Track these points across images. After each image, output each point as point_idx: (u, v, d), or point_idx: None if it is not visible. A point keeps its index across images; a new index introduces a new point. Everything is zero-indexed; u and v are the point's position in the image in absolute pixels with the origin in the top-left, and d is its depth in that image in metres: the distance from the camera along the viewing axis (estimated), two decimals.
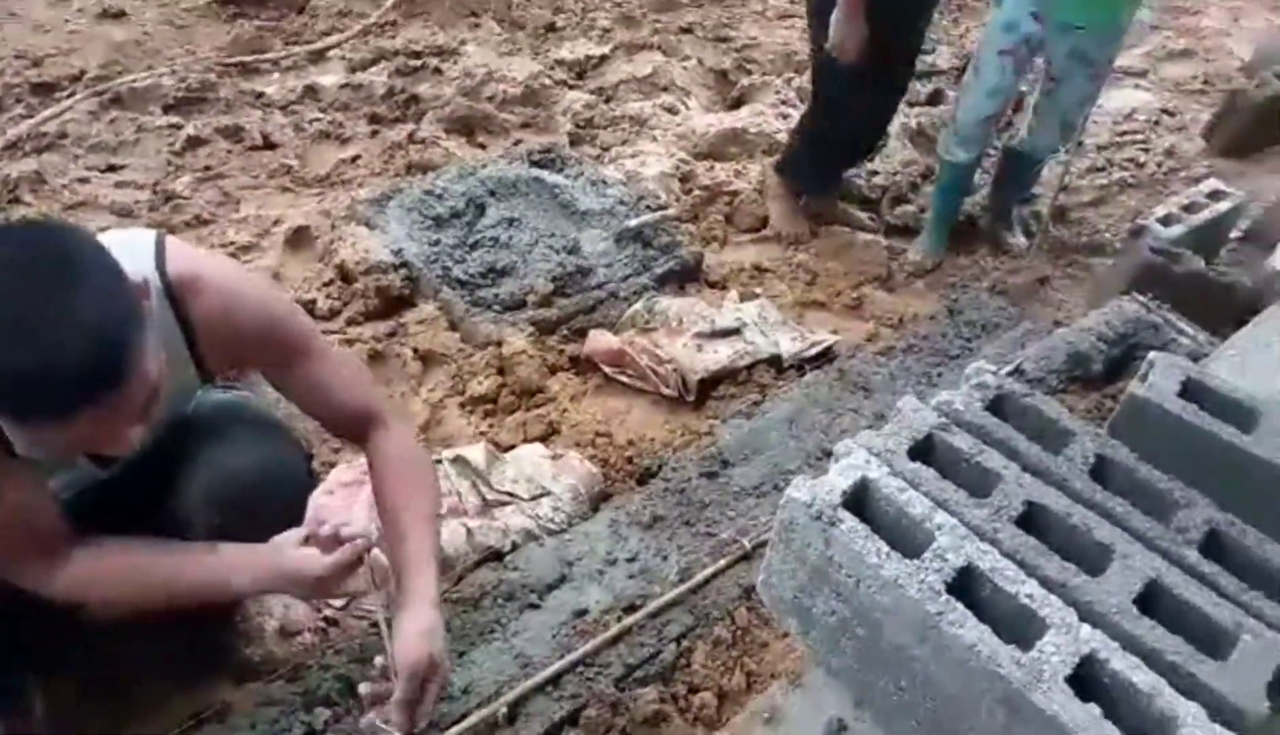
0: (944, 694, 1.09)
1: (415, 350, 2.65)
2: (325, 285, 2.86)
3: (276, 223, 3.16)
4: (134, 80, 3.83)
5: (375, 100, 4.01)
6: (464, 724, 1.55)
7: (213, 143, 3.57)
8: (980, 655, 1.02)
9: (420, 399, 2.52)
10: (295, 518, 1.65)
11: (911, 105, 4.21)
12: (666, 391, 2.58)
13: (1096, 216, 3.78)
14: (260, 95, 3.95)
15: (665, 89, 4.39)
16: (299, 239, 3.07)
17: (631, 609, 1.82)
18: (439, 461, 2.12)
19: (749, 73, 4.67)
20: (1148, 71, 5.21)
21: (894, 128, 3.79)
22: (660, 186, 3.53)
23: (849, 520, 1.15)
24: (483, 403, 2.50)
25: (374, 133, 3.82)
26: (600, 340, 2.68)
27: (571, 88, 4.36)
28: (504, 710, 1.60)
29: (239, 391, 1.78)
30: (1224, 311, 2.65)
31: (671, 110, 4.21)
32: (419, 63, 4.30)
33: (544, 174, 3.39)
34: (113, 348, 1.11)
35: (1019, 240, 3.46)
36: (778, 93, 4.38)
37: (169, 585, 1.42)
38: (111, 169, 3.41)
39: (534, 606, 1.84)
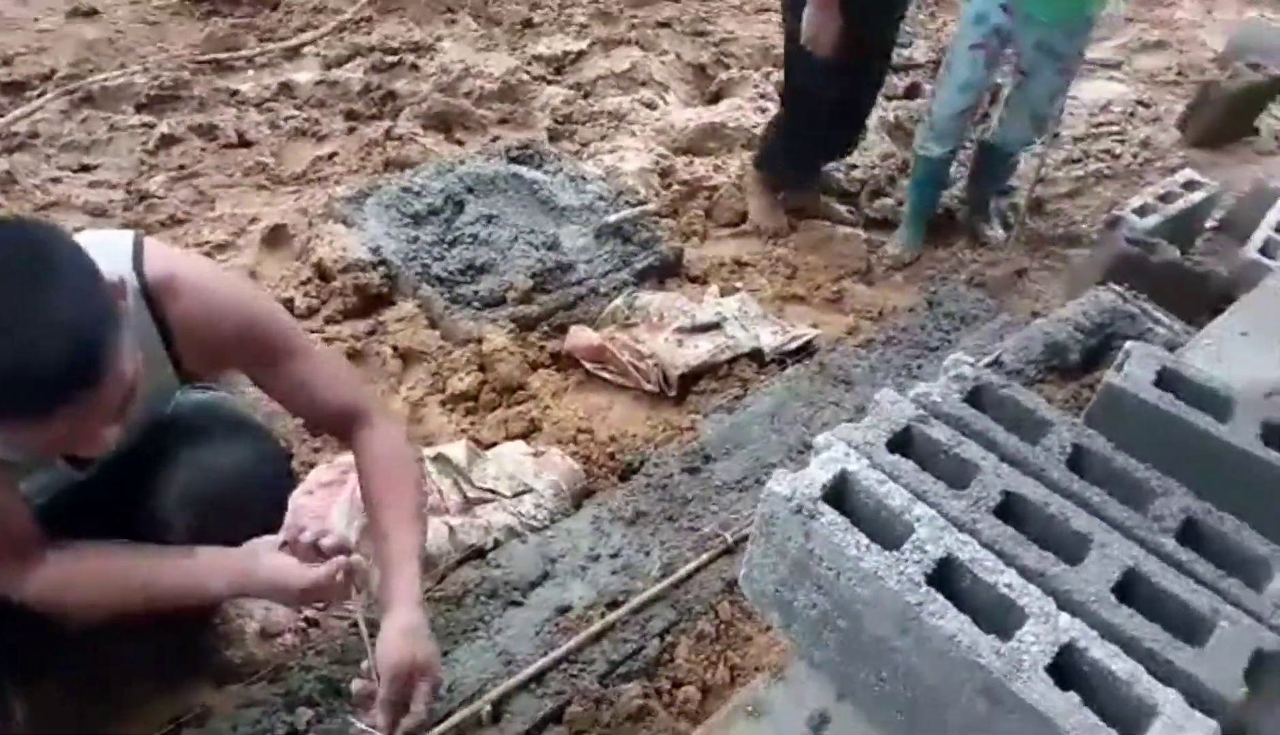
0: (925, 685, 1.10)
1: (395, 348, 2.64)
2: (303, 284, 2.84)
3: (253, 221, 3.14)
4: (106, 78, 3.79)
5: (351, 97, 3.98)
6: (448, 723, 1.55)
7: (187, 141, 3.54)
8: (960, 645, 1.02)
9: (400, 397, 2.51)
10: (274, 518, 1.64)
11: (889, 99, 4.23)
12: (648, 387, 2.58)
13: (1073, 208, 3.80)
14: (235, 93, 3.92)
15: (644, 84, 4.38)
16: (276, 238, 3.04)
17: (615, 605, 1.82)
18: (420, 459, 2.11)
19: (727, 67, 4.67)
20: (1122, 63, 5.25)
21: (872, 121, 3.80)
22: (640, 182, 3.53)
23: (829, 513, 1.15)
24: (463, 400, 2.49)
25: (351, 130, 3.79)
26: (581, 336, 2.68)
27: (550, 83, 4.35)
28: (488, 708, 1.59)
29: (217, 392, 1.76)
30: (1199, 301, 2.67)
31: (650, 105, 4.21)
32: (395, 59, 4.28)
33: (523, 170, 3.37)
34: (88, 347, 1.10)
35: (996, 233, 3.48)
36: (756, 87, 4.39)
37: (145, 589, 1.41)
38: (84, 169, 3.37)
39: (517, 604, 1.84)
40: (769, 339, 2.75)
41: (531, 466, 2.19)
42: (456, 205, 3.14)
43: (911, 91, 4.47)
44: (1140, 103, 4.76)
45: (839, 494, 1.20)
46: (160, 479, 1.50)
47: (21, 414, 1.10)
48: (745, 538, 1.80)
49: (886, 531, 1.15)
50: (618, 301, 2.85)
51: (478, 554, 1.98)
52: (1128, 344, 1.52)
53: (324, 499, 1.97)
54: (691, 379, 2.61)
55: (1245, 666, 1.03)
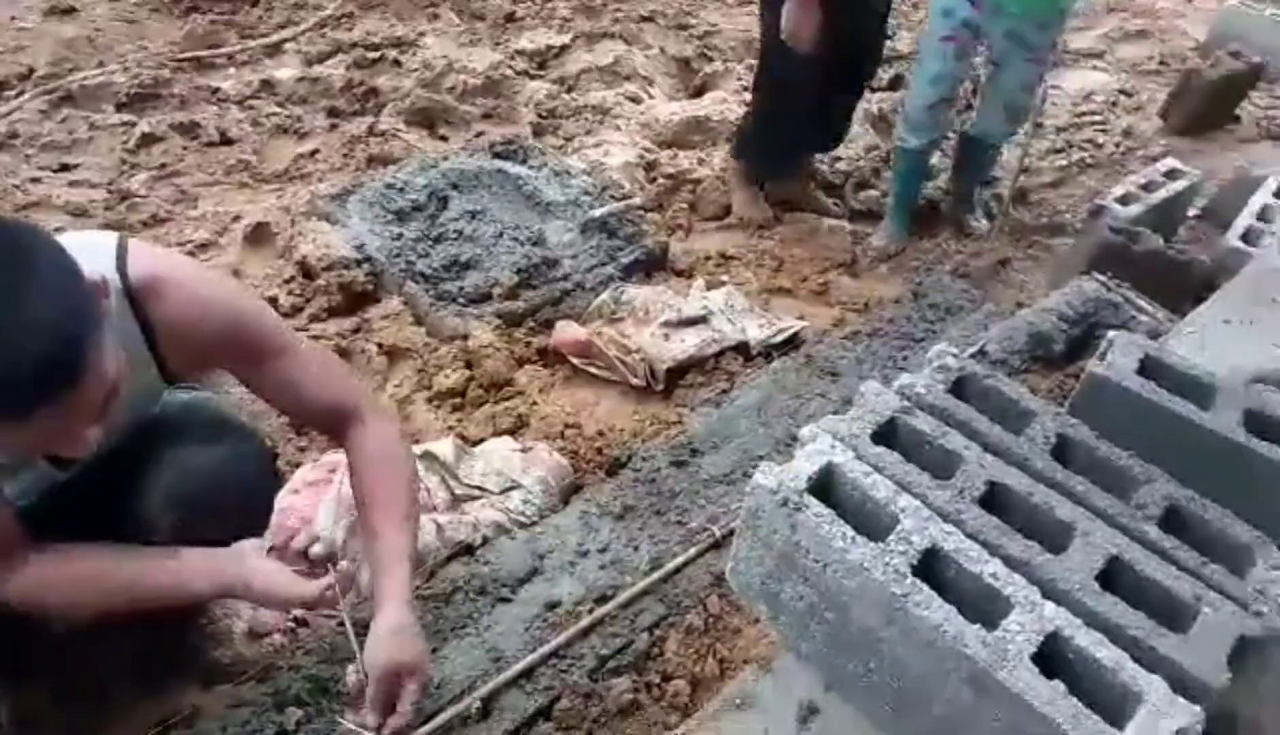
0: (911, 674, 1.10)
1: (380, 346, 2.63)
2: (286, 282, 2.82)
3: (235, 219, 3.12)
4: (85, 77, 3.76)
5: (333, 93, 3.96)
6: (437, 720, 1.55)
7: (168, 140, 3.51)
8: (946, 635, 1.03)
9: (387, 395, 2.50)
10: (260, 518, 1.64)
11: (873, 90, 4.22)
12: (635, 381, 2.58)
13: (1056, 197, 3.82)
14: (215, 90, 3.89)
15: (627, 78, 4.37)
16: (258, 236, 3.03)
17: (603, 600, 1.82)
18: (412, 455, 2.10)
19: (711, 60, 4.67)
20: (1104, 52, 5.27)
21: (856, 113, 3.80)
22: (624, 176, 3.52)
23: (814, 505, 1.15)
24: (450, 397, 2.49)
25: (333, 126, 3.77)
26: (567, 331, 2.67)
27: (533, 78, 4.34)
28: (477, 705, 1.59)
29: (202, 392, 1.75)
30: (1183, 289, 2.69)
31: (634, 99, 4.20)
32: (377, 55, 4.25)
33: (507, 165, 3.36)
34: (68, 346, 1.10)
35: (981, 223, 3.49)
36: (740, 80, 4.38)
37: (129, 589, 1.40)
38: (64, 168, 3.34)
39: (506, 600, 1.84)
40: (755, 332, 2.75)
41: (519, 462, 2.19)
42: (440, 202, 3.12)
43: (895, 82, 4.47)
44: (1123, 92, 4.78)
45: (825, 486, 1.20)
46: (144, 479, 1.49)
47: (1, 414, 1.09)
48: (733, 531, 1.80)
49: (872, 523, 1.15)
50: (604, 296, 2.84)
51: (466, 551, 1.98)
52: (1111, 333, 1.53)
53: (310, 498, 1.96)
54: (678, 373, 2.61)
55: (1228, 652, 1.04)
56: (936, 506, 1.17)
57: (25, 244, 1.12)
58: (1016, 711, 0.99)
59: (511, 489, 2.12)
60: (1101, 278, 2.69)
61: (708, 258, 3.20)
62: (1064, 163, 4.06)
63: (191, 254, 2.88)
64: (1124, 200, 3.06)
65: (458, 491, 2.09)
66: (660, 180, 3.59)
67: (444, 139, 3.82)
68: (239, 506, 1.55)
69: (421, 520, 1.93)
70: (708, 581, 1.86)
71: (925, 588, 1.07)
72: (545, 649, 1.70)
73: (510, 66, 4.29)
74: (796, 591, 1.22)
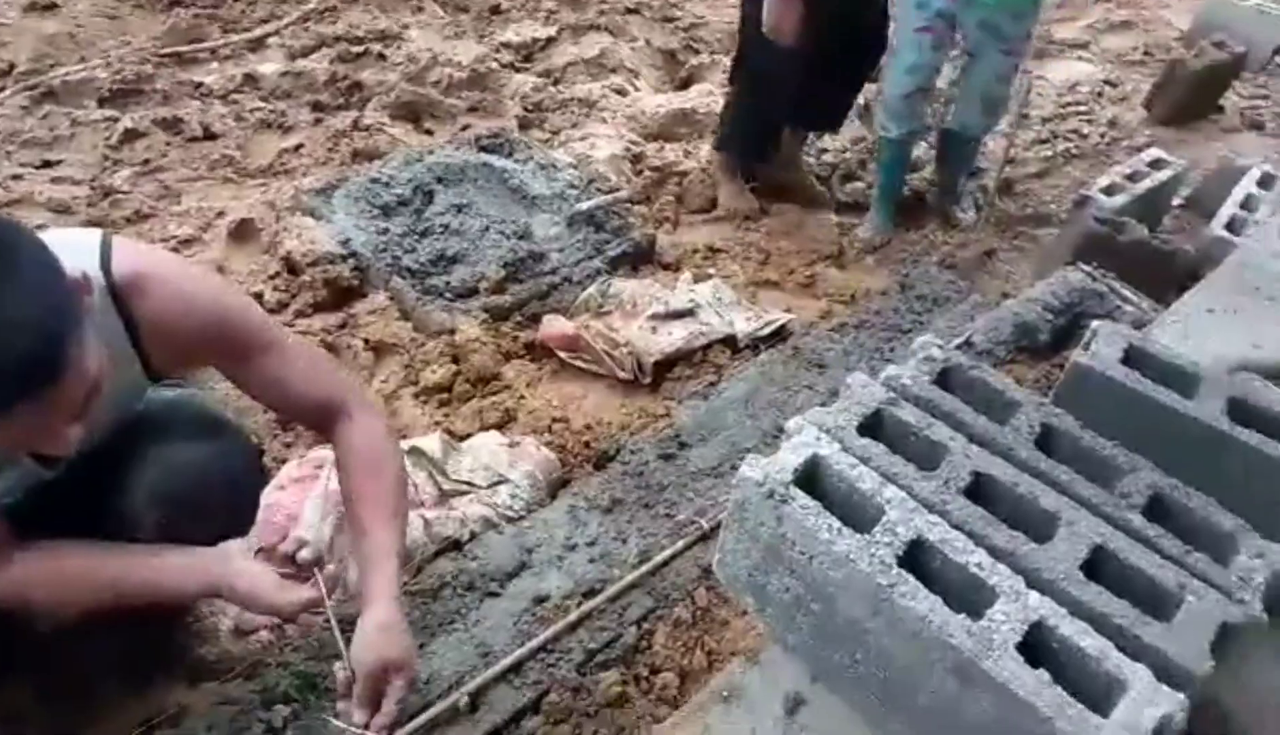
0: (897, 665, 1.10)
1: (366, 341, 2.62)
2: (272, 277, 2.81)
3: (219, 215, 3.10)
4: (67, 73, 3.73)
5: (317, 87, 3.94)
6: (425, 715, 1.54)
7: (151, 135, 3.48)
8: (932, 626, 1.03)
9: (373, 390, 2.49)
10: (246, 515, 1.63)
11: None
12: (622, 375, 2.58)
13: (1042, 188, 3.83)
14: (199, 85, 3.86)
15: (613, 70, 4.36)
16: (243, 231, 3.01)
17: (592, 593, 1.82)
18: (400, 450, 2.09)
19: (697, 52, 4.66)
20: (1089, 43, 5.30)
21: None
22: (611, 169, 3.52)
23: (800, 498, 1.16)
24: (437, 392, 2.48)
25: (317, 121, 3.75)
26: (554, 325, 2.67)
27: (518, 71, 4.32)
28: (465, 700, 1.59)
29: (187, 388, 1.74)
30: (1167, 278, 2.70)
31: (620, 91, 4.19)
32: (361, 48, 4.23)
33: (493, 159, 3.35)
34: (50, 343, 1.09)
35: (967, 214, 3.51)
36: (725, 72, 4.37)
37: (114, 586, 1.40)
38: (47, 165, 3.31)
39: (494, 595, 1.83)
40: (743, 324, 2.75)
41: (506, 457, 2.18)
42: (426, 196, 3.11)
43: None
44: (1108, 82, 4.80)
45: (810, 478, 1.21)
46: (130, 477, 1.48)
47: None
48: (721, 524, 1.81)
49: (858, 514, 1.15)
50: (591, 290, 2.84)
51: (454, 546, 1.97)
52: (1095, 323, 1.54)
53: (296, 494, 1.95)
54: (666, 366, 2.61)
55: (1212, 639, 1.04)
56: (922, 497, 1.17)
57: (7, 241, 1.11)
58: (1002, 700, 0.99)
59: (499, 483, 2.11)
60: (1087, 268, 2.70)
61: (695, 250, 3.20)
62: (1049, 153, 4.07)
63: (175, 250, 2.86)
64: (1109, 190, 3.07)
65: (445, 487, 2.08)
66: (647, 173, 3.59)
67: (429, 133, 3.81)
68: (224, 503, 1.54)
69: (409, 515, 1.93)
70: (696, 574, 1.86)
71: (911, 578, 1.07)
72: (533, 643, 1.70)
73: (495, 59, 4.27)
74: (783, 583, 1.22)
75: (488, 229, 2.98)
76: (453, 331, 2.62)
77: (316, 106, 3.84)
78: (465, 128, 3.77)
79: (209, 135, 3.57)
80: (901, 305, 2.82)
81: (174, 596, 1.47)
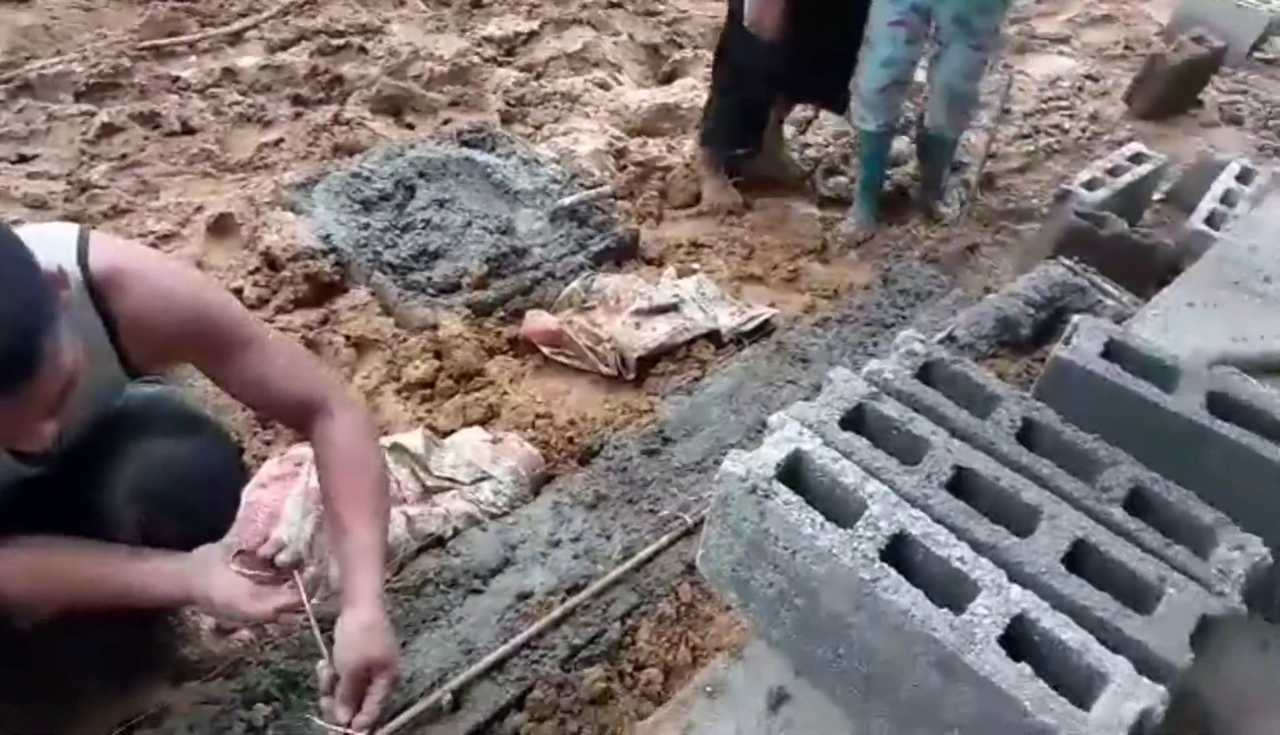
0: (880, 659, 1.11)
1: (348, 337, 2.60)
2: (251, 273, 2.78)
3: (198, 210, 3.07)
4: (43, 67, 3.68)
5: (297, 81, 3.91)
6: (408, 713, 1.54)
7: (128, 130, 3.45)
8: (914, 620, 1.03)
9: (355, 386, 2.47)
10: (227, 512, 1.62)
11: None
12: (606, 370, 2.57)
13: (1024, 183, 3.84)
14: (176, 79, 3.82)
15: (596, 65, 4.35)
16: (222, 226, 2.98)
17: (576, 589, 1.82)
18: (381, 447, 2.08)
19: (680, 47, 4.66)
20: (1070, 38, 5.32)
21: None
22: (594, 164, 3.51)
23: (783, 493, 1.15)
24: (420, 388, 2.47)
25: (297, 115, 3.72)
26: (538, 321, 2.66)
27: (501, 65, 4.30)
28: (449, 697, 1.58)
29: (166, 385, 1.72)
30: (1148, 272, 2.72)
31: (603, 86, 4.18)
32: (342, 42, 4.20)
33: (475, 154, 3.33)
34: (25, 338, 1.07)
35: (949, 209, 3.51)
36: (709, 66, 4.37)
37: (93, 586, 1.39)
38: (23, 159, 3.27)
39: (477, 591, 1.83)
40: (726, 319, 2.75)
41: (490, 453, 2.17)
42: (408, 190, 3.09)
43: None
44: (1088, 77, 4.83)
45: (793, 473, 1.20)
46: (110, 473, 1.47)
47: None
48: (705, 519, 1.81)
49: (841, 509, 1.15)
50: (574, 285, 2.83)
51: (437, 542, 1.96)
52: (1076, 317, 1.54)
53: (277, 492, 1.94)
54: (650, 361, 2.61)
55: (1192, 632, 1.05)
56: (904, 492, 1.18)
57: None
58: (984, 693, 0.99)
59: (482, 480, 2.10)
60: (1068, 262, 2.72)
61: (678, 245, 3.20)
62: (1031, 148, 4.09)
63: (154, 246, 2.83)
64: (1090, 185, 3.09)
65: (428, 483, 2.07)
66: (630, 168, 3.58)
67: (411, 127, 3.78)
68: (205, 500, 1.53)
69: (391, 513, 1.92)
70: (680, 570, 1.86)
71: (893, 572, 1.07)
72: (517, 640, 1.69)
73: (477, 53, 4.25)
74: (766, 578, 1.22)
75: (470, 224, 2.96)
76: (435, 327, 2.60)
77: (296, 100, 3.81)
78: (447, 122, 3.75)
79: (187, 130, 3.54)
80: (884, 300, 2.83)
81: (151, 602, 1.46)
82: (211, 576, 1.41)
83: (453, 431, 2.29)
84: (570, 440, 2.32)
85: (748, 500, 1.17)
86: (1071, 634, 1.02)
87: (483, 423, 2.35)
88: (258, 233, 2.90)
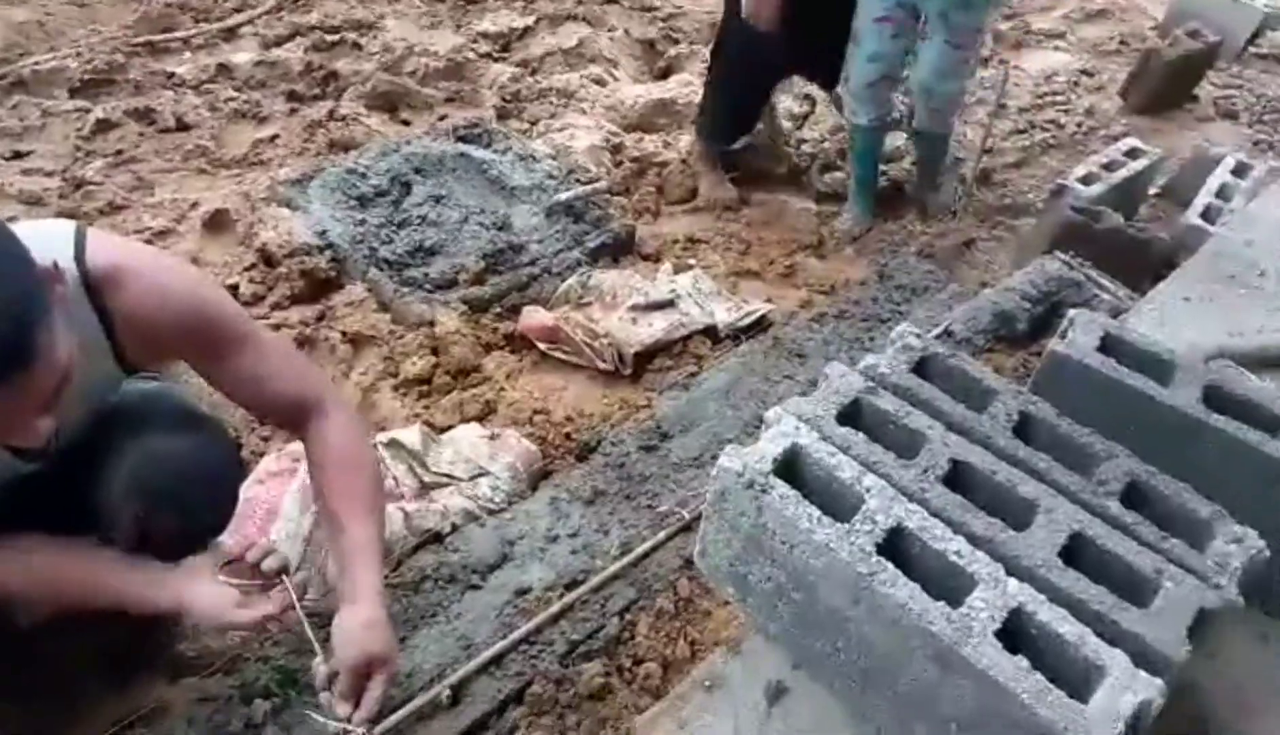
0: (878, 652, 1.11)
1: (344, 333, 2.59)
2: (247, 269, 2.78)
3: (193, 207, 3.07)
4: (37, 63, 3.68)
5: (292, 77, 3.90)
6: (407, 708, 1.54)
7: (123, 126, 3.44)
8: (912, 613, 1.03)
9: (352, 382, 2.47)
10: (225, 508, 1.61)
11: None
12: (603, 366, 2.57)
13: (1019, 177, 3.84)
14: (171, 75, 3.82)
15: (592, 60, 4.34)
16: (217, 222, 2.98)
17: (574, 585, 1.82)
18: (374, 446, 2.08)
19: (676, 42, 4.65)
20: (1066, 33, 5.32)
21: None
22: (590, 159, 3.50)
23: (780, 487, 1.15)
24: (417, 384, 2.47)
25: (292, 111, 3.71)
26: (534, 317, 2.66)
27: (496, 61, 4.30)
28: (447, 692, 1.59)
29: (163, 381, 1.72)
30: (1143, 267, 2.72)
31: (599, 82, 4.17)
32: (337, 37, 4.19)
33: (471, 149, 3.33)
34: (17, 329, 1.07)
35: (945, 204, 3.51)
36: (705, 62, 4.36)
37: (82, 590, 1.40)
38: (17, 156, 3.27)
39: (475, 587, 1.83)
40: (723, 315, 2.75)
41: (487, 449, 2.17)
42: (404, 186, 3.09)
43: None
44: (1084, 72, 4.82)
45: (790, 467, 1.20)
46: (108, 469, 1.46)
47: None
48: (702, 514, 1.81)
49: (838, 503, 1.16)
50: (571, 281, 2.83)
51: (435, 539, 1.97)
52: (1072, 312, 1.54)
53: (275, 488, 1.94)
54: (647, 357, 2.61)
55: (1189, 625, 1.05)
56: (901, 486, 1.18)
57: None
58: (981, 687, 1.00)
59: (480, 476, 2.11)
60: (1064, 257, 2.72)
61: (675, 241, 3.20)
62: (1026, 143, 4.09)
63: (149, 242, 2.82)
64: (1086, 180, 3.09)
65: (426, 479, 2.08)
66: (626, 163, 3.58)
67: (406, 123, 3.78)
68: (203, 497, 1.53)
69: (389, 509, 1.92)
70: (678, 565, 1.87)
71: (890, 566, 1.07)
72: (516, 635, 1.70)
73: (473, 49, 4.25)
74: (764, 573, 1.22)
75: (466, 220, 2.96)
76: (432, 323, 2.60)
77: (292, 96, 3.80)
78: (442, 118, 3.75)
79: (182, 126, 3.54)
80: (880, 295, 2.83)
81: (140, 608, 1.46)
82: (198, 586, 1.42)
83: (450, 427, 2.29)
84: (568, 436, 2.33)
85: (745, 495, 1.17)
86: (1069, 627, 1.03)
87: (480, 419, 2.35)
88: (253, 229, 2.90)
